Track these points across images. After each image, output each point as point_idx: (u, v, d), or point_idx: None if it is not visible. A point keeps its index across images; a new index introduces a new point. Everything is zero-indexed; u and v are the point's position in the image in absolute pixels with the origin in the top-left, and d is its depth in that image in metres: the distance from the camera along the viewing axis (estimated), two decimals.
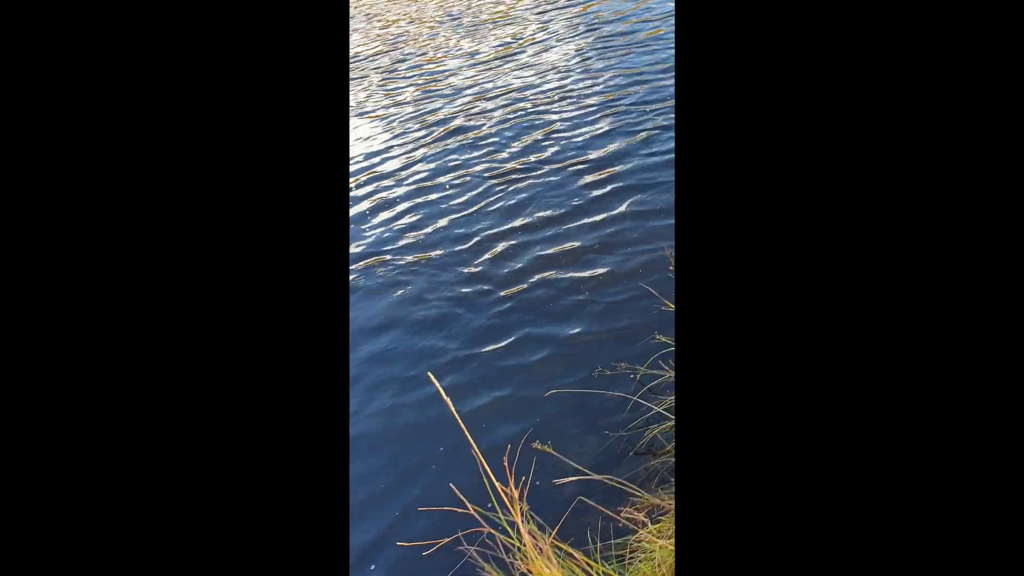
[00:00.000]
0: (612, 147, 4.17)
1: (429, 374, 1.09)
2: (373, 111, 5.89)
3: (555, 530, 1.46)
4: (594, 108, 4.78)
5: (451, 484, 1.55)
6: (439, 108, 5.52)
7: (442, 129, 5.10)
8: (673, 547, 1.69)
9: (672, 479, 2.04)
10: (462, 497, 1.54)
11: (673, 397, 2.25)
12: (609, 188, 3.73)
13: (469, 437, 1.21)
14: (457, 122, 5.14)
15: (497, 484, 1.26)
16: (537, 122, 4.79)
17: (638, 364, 2.48)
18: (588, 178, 3.88)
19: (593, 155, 4.13)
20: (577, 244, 3.34)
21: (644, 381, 2.38)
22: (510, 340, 2.86)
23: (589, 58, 5.84)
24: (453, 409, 1.12)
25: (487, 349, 2.85)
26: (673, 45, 5.53)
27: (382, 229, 3.92)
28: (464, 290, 3.23)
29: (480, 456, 1.24)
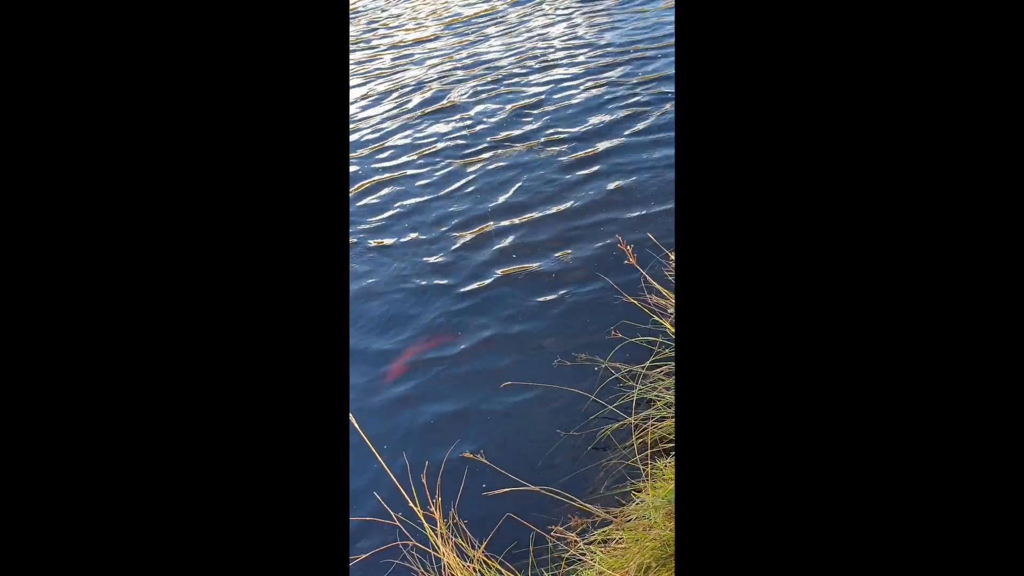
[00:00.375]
0: (596, 126, 4.08)
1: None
2: None
3: (483, 545, 1.43)
4: (578, 81, 4.66)
5: (375, 493, 1.51)
6: (411, 78, 5.38)
7: (414, 102, 4.98)
8: (612, 558, 1.66)
9: (628, 477, 2.04)
10: (388, 508, 1.50)
11: (629, 392, 2.22)
12: (589, 172, 3.66)
13: (377, 454, 1.16)
14: (430, 94, 5.02)
15: (411, 503, 1.22)
16: (516, 96, 4.67)
17: (599, 356, 2.45)
18: (568, 160, 3.81)
19: (575, 135, 4.04)
20: (547, 235, 3.29)
21: (606, 375, 2.37)
22: (467, 332, 2.83)
23: (576, 24, 5.66)
24: (361, 433, 1.06)
25: (443, 340, 2.80)
26: (668, 13, 5.36)
27: None
28: (424, 279, 3.19)
29: (389, 471, 1.19)
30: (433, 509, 1.29)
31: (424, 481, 1.30)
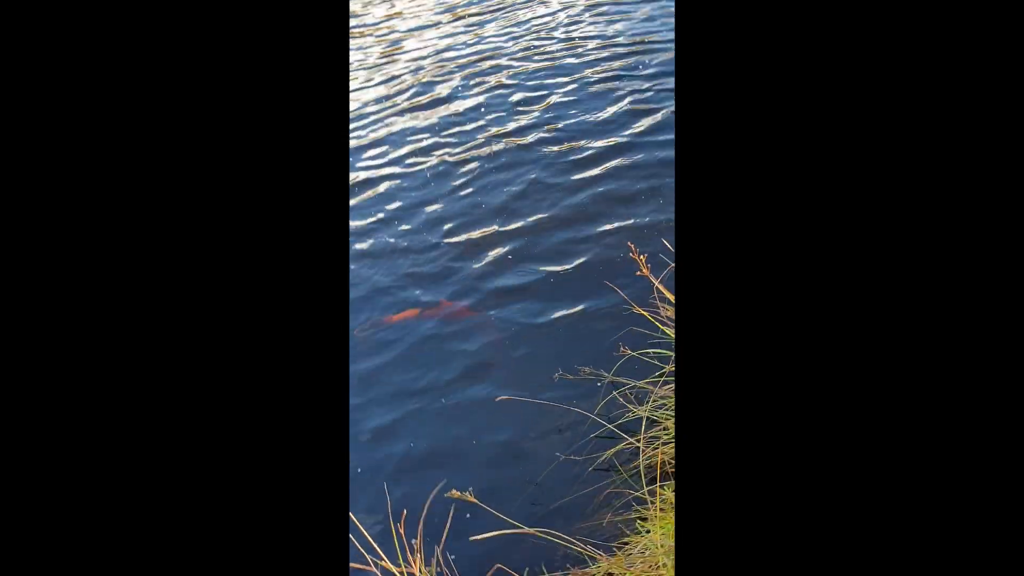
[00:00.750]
0: (603, 125, 3.95)
1: None
2: None
3: None
4: (588, 81, 4.52)
5: (351, 537, 1.39)
6: (402, 74, 5.23)
7: (405, 96, 4.84)
8: None
9: (634, 504, 1.96)
10: (363, 551, 1.38)
11: (637, 409, 2.15)
12: (595, 174, 3.50)
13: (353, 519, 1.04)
14: (423, 92, 4.88)
15: (382, 555, 1.11)
16: (517, 96, 4.52)
17: (604, 371, 2.37)
18: (572, 161, 3.66)
19: (581, 134, 3.89)
20: (550, 241, 3.16)
21: (610, 390, 2.28)
22: (460, 346, 2.70)
23: (581, 14, 5.53)
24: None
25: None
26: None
27: None
28: (411, 291, 3.06)
29: (358, 522, 1.08)
30: (412, 559, 1.17)
31: (402, 528, 1.18)
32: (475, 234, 3.29)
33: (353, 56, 5.82)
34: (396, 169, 3.96)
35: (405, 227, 3.46)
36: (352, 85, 5.24)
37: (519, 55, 5.10)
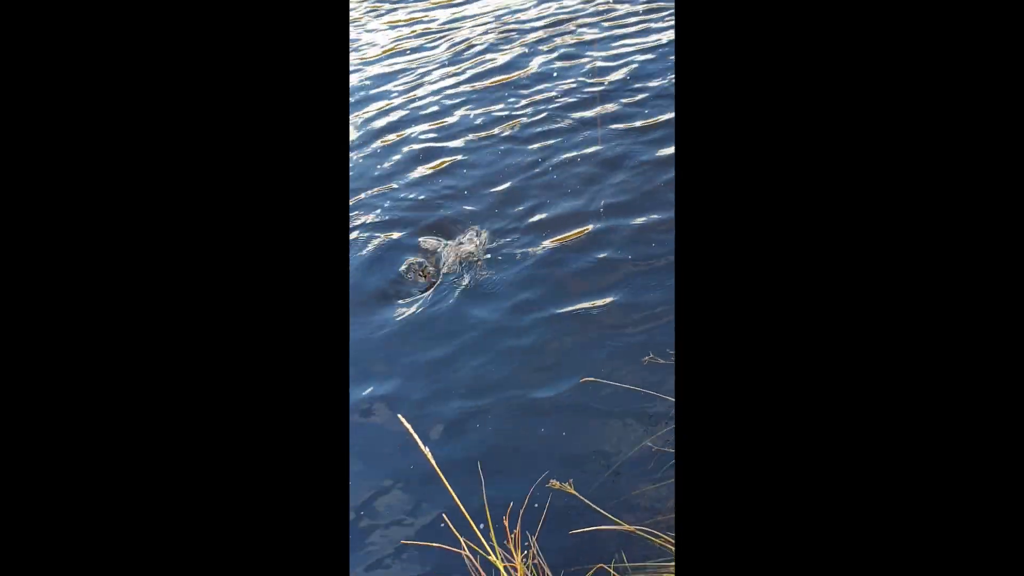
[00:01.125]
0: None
1: (400, 417, 0.94)
2: (383, 43, 5.42)
3: None
4: (662, 47, 4.35)
5: (443, 515, 1.42)
6: (466, 41, 5.12)
7: (468, 71, 4.70)
8: None
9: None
10: (458, 534, 1.41)
11: None
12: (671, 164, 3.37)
13: (450, 490, 1.05)
14: (485, 59, 4.76)
15: (484, 541, 1.12)
16: (585, 64, 4.40)
17: None
18: (647, 151, 3.52)
19: (657, 115, 3.76)
20: (640, 239, 3.06)
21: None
22: (540, 316, 2.69)
23: None
24: (431, 458, 0.96)
25: (511, 327, 2.69)
26: None
27: (374, 200, 3.56)
28: (474, 305, 2.97)
29: (456, 497, 1.08)
30: (511, 546, 1.19)
31: (506, 521, 1.19)
32: (561, 233, 3.15)
33: (411, 28, 5.75)
34: (466, 157, 3.81)
35: (451, 203, 3.39)
36: (408, 63, 5.15)
37: (587, 14, 4.95)
